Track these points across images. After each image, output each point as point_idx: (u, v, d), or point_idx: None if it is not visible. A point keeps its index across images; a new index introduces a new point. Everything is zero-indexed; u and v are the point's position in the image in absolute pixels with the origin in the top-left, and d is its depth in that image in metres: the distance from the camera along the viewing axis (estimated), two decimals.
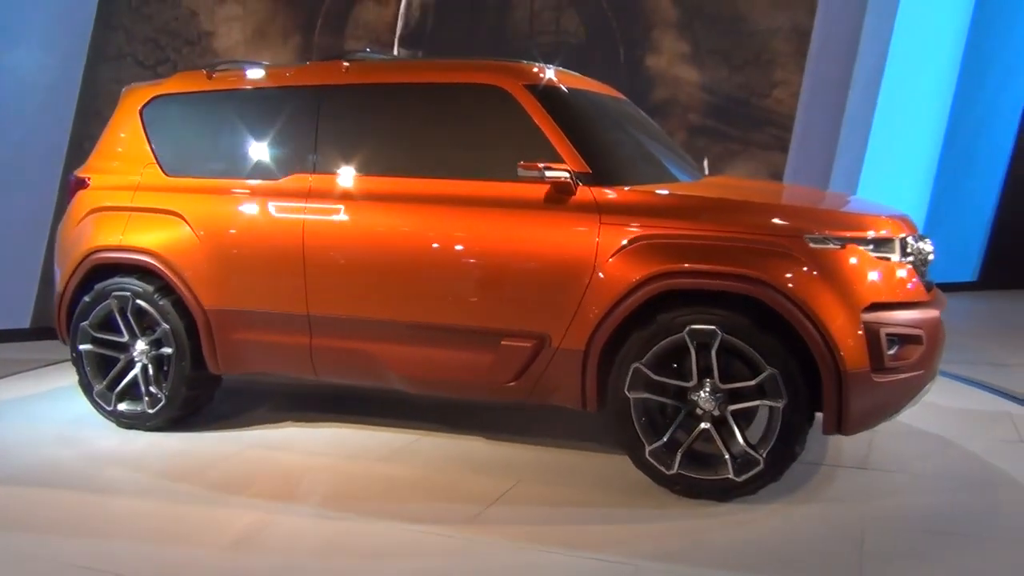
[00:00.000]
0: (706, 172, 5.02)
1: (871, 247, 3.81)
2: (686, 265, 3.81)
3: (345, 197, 4.43)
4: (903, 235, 3.92)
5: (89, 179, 5.12)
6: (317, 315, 4.48)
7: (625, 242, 3.92)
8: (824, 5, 7.52)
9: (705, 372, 3.84)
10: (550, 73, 4.45)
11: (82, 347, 4.97)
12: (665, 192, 4.15)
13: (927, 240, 4.13)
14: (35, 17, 7.14)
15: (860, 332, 3.67)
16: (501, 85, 4.28)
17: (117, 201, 4.95)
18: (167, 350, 4.79)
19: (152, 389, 4.86)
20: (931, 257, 4.11)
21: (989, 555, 3.36)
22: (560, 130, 4.14)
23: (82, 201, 5.09)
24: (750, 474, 3.79)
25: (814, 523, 3.65)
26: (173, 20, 7.54)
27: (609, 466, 4.32)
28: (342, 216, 4.40)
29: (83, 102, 6.50)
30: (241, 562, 3.36)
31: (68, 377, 5.11)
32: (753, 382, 3.75)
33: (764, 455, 3.76)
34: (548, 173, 3.96)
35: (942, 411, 5.04)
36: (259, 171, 4.68)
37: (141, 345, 4.87)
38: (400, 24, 7.66)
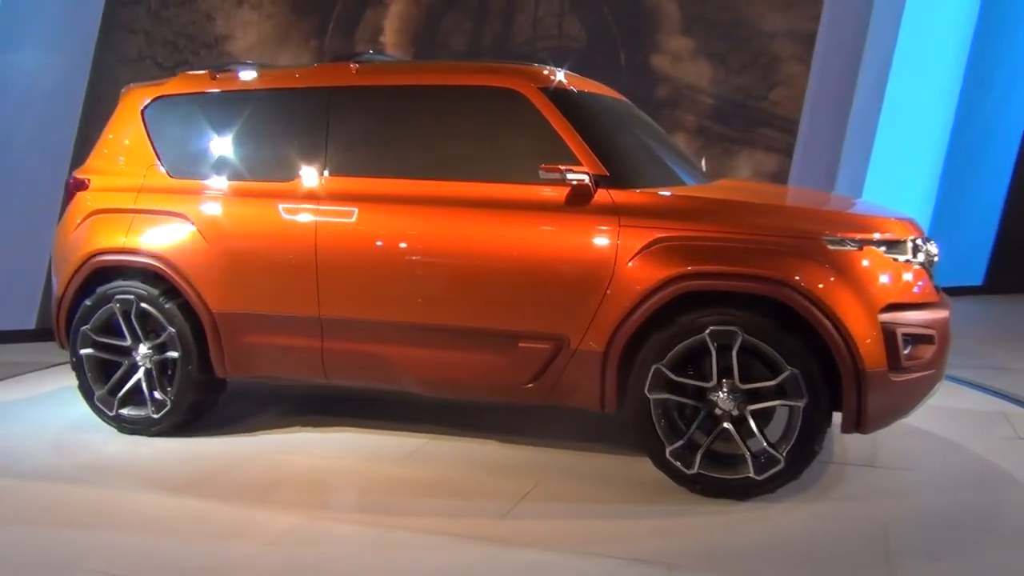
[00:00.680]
0: (704, 173, 5.08)
1: (885, 249, 3.89)
2: (708, 267, 3.85)
3: (359, 199, 4.40)
4: (913, 237, 4.01)
5: (89, 180, 5.03)
6: (329, 317, 4.45)
7: (645, 244, 3.95)
8: (829, 8, 7.61)
9: (724, 372, 3.89)
10: (561, 76, 4.48)
11: (83, 351, 4.88)
12: (684, 195, 4.20)
13: (932, 242, 4.23)
14: (41, 20, 7.11)
15: (878, 332, 3.75)
16: (516, 88, 4.29)
17: (119, 203, 4.87)
18: (172, 354, 4.73)
19: (156, 394, 4.79)
20: (936, 259, 4.21)
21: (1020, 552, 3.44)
22: (576, 133, 4.17)
23: (81, 203, 5.00)
24: (770, 473, 3.85)
25: (836, 521, 3.72)
26: (191, 24, 7.56)
27: (626, 466, 4.36)
28: (356, 218, 4.37)
29: (89, 104, 6.41)
30: (274, 565, 3.32)
31: (71, 379, 5.00)
32: (774, 382, 3.80)
33: (784, 454, 3.82)
34: (569, 175, 3.98)
35: (939, 411, 5.15)
36: (268, 173, 4.64)
37: (144, 349, 4.79)
38: (407, 27, 7.68)
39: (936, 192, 9.36)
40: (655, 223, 3.98)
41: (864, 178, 8.08)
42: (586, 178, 4.01)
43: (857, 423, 3.78)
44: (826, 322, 3.71)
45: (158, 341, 4.76)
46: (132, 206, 4.83)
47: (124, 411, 4.85)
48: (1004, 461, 4.40)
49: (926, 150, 9.22)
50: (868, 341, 3.72)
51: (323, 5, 7.79)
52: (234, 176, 4.70)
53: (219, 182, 4.71)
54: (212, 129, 4.85)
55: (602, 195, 4.06)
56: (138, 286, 4.76)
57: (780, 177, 7.46)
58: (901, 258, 3.92)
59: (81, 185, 5.05)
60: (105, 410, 4.88)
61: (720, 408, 3.92)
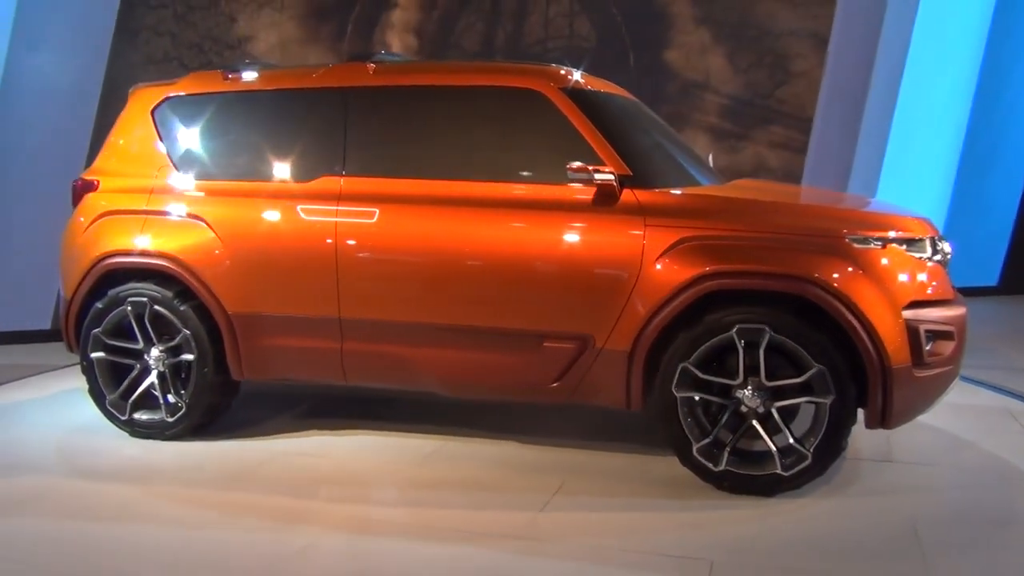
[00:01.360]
0: (716, 172, 5.12)
1: (906, 247, 3.95)
2: (736, 266, 3.90)
3: (380, 199, 4.39)
4: (931, 235, 4.09)
5: (98, 182, 4.96)
6: (350, 319, 4.43)
7: (672, 243, 3.98)
8: (843, 6, 7.65)
9: (749, 370, 3.94)
10: (578, 76, 4.50)
11: (94, 355, 4.81)
12: (709, 194, 4.24)
13: (945, 241, 4.31)
14: (56, 22, 7.11)
15: (902, 329, 3.81)
16: (537, 88, 4.31)
17: (130, 205, 4.81)
18: (187, 357, 4.68)
19: (170, 397, 4.73)
20: (949, 257, 4.29)
21: None
22: (599, 133, 4.19)
23: (91, 204, 4.93)
24: (798, 469, 3.90)
25: (864, 516, 3.77)
26: (215, 26, 7.56)
27: (648, 464, 4.38)
28: (378, 219, 4.36)
29: (104, 106, 6.36)
30: (312, 567, 3.31)
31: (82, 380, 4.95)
32: (801, 379, 3.85)
33: (812, 450, 3.87)
34: (597, 175, 4.00)
35: (944, 407, 5.22)
36: (284, 173, 4.61)
37: (156, 352, 4.74)
38: (420, 29, 7.69)
39: (951, 192, 9.37)
40: (681, 223, 4.01)
41: (878, 178, 8.16)
42: (612, 178, 4.04)
43: (882, 419, 3.84)
44: (853, 320, 3.77)
45: (172, 344, 4.70)
46: (144, 207, 4.77)
47: (137, 415, 4.79)
48: (1015, 457, 4.49)
49: (940, 150, 9.24)
50: (893, 338, 3.79)
51: (343, 7, 7.83)
52: (250, 177, 4.66)
53: (234, 183, 4.67)
54: (226, 130, 4.82)
55: (627, 195, 4.09)
56: (151, 288, 4.70)
57: (793, 176, 7.52)
58: (921, 256, 3.99)
59: (89, 186, 4.98)
60: (117, 414, 4.82)
61: (746, 405, 3.96)
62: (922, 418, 4.81)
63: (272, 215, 4.54)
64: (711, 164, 5.24)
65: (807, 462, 3.88)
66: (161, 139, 4.88)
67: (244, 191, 4.63)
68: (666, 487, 4.09)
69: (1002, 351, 7.00)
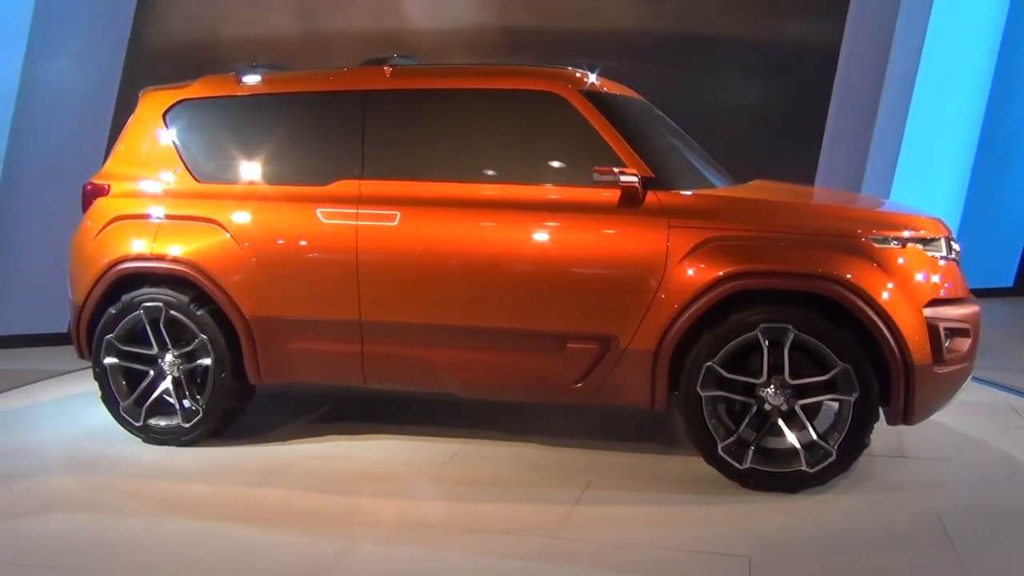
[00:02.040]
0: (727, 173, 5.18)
1: (924, 246, 4.04)
2: (760, 266, 3.95)
3: (402, 202, 4.39)
4: (946, 235, 4.17)
5: (108, 186, 4.91)
6: (371, 321, 4.43)
7: (695, 244, 4.03)
8: (856, 7, 7.70)
9: (772, 368, 3.99)
10: (593, 78, 4.54)
11: (107, 361, 4.77)
12: (730, 196, 4.30)
13: (955, 241, 4.40)
14: (72, 28, 7.12)
15: (923, 327, 3.89)
16: (558, 92, 4.34)
17: (144, 209, 4.77)
18: (204, 361, 4.64)
19: (186, 402, 4.70)
20: (959, 257, 4.38)
21: None
22: (619, 135, 4.24)
23: (102, 209, 4.87)
24: (823, 465, 3.97)
25: (888, 509, 3.84)
26: (232, 32, 7.66)
27: (669, 464, 4.43)
28: (399, 222, 4.37)
29: (119, 111, 6.33)
30: (350, 569, 3.31)
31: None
32: (826, 377, 3.91)
33: (836, 447, 3.93)
34: (623, 178, 4.04)
35: (952, 404, 5.32)
36: (302, 176, 4.60)
37: (170, 357, 4.70)
38: None
39: (965, 194, 9.40)
40: (704, 223, 4.07)
41: (891, 180, 8.24)
42: (636, 180, 4.08)
43: (904, 415, 3.92)
44: (876, 318, 3.84)
45: (188, 349, 4.67)
46: (159, 212, 4.73)
47: (152, 421, 4.75)
48: (1022, 453, 4.59)
49: (954, 151, 9.26)
50: (915, 336, 3.87)
51: None
52: (267, 180, 4.65)
53: (251, 186, 4.65)
54: (241, 133, 4.80)
55: (650, 197, 4.13)
56: (167, 293, 4.67)
57: (806, 178, 7.56)
58: (938, 255, 4.07)
59: (99, 191, 4.93)
60: (131, 420, 4.77)
61: (769, 403, 4.02)
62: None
63: (290, 219, 4.53)
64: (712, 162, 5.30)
65: (832, 459, 3.95)
66: (174, 143, 4.84)
67: (261, 195, 4.62)
68: (690, 485, 4.13)
69: (1013, 350, 7.03)
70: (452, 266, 4.31)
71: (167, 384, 4.72)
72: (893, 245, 3.95)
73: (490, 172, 4.43)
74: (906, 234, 4.00)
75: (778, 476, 4.03)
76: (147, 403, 4.74)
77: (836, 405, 4.04)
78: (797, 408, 4.00)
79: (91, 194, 4.96)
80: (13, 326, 7.20)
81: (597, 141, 4.24)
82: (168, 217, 4.72)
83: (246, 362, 4.63)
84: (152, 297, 4.68)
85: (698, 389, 4.04)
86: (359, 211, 4.43)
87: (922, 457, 4.53)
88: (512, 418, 5.15)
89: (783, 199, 4.37)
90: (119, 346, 4.75)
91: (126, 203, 4.83)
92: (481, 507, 3.92)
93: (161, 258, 4.67)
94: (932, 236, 4.08)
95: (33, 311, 7.04)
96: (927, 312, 3.92)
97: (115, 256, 4.74)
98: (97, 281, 4.78)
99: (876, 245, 3.93)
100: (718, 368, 4.02)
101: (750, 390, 4.06)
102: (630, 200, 4.12)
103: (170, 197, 4.75)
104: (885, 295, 3.85)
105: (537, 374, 4.31)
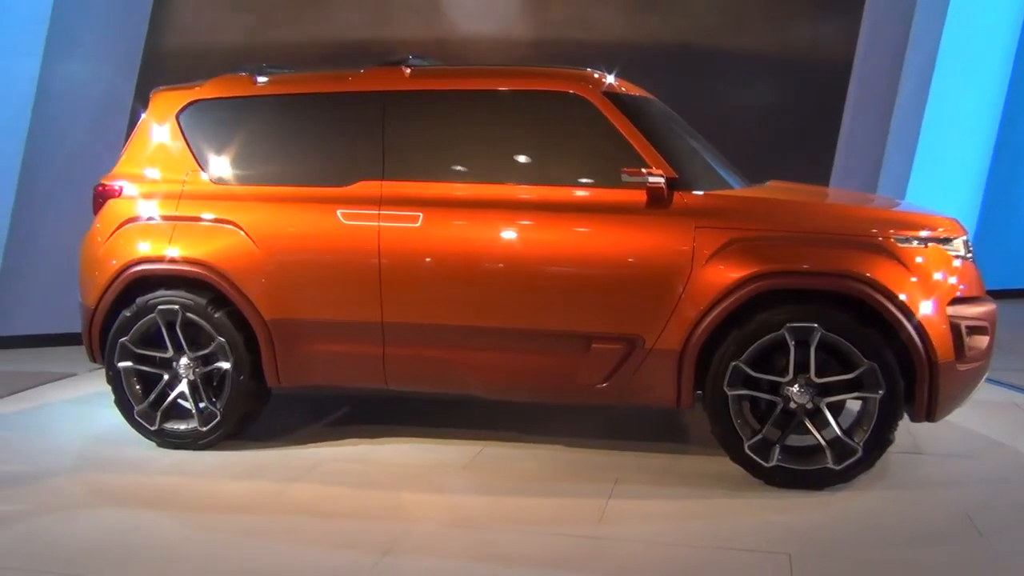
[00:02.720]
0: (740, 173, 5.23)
1: (945, 246, 4.10)
2: (786, 266, 4.00)
3: (424, 203, 4.38)
4: (964, 235, 4.25)
5: (121, 187, 4.85)
6: (394, 323, 4.42)
7: (721, 245, 4.07)
8: (872, 8, 7.75)
9: (798, 367, 4.04)
10: (612, 79, 4.56)
11: (121, 365, 4.70)
12: (754, 196, 4.34)
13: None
14: (89, 29, 7.14)
15: (946, 325, 3.96)
16: (580, 93, 4.36)
17: (158, 210, 4.71)
18: (222, 365, 4.60)
19: (202, 406, 4.65)
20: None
21: None
22: (643, 137, 4.26)
23: (114, 211, 4.81)
24: (848, 462, 4.02)
25: (913, 504, 3.91)
26: (247, 34, 7.70)
27: (692, 462, 4.46)
28: (422, 223, 4.36)
29: (136, 112, 6.29)
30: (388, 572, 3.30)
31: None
32: (853, 375, 3.96)
33: (861, 444, 3.99)
34: (651, 179, 4.07)
35: None
36: (321, 177, 4.57)
37: (185, 360, 4.65)
38: None
39: (982, 196, 9.43)
40: (729, 224, 4.11)
41: (907, 181, 8.31)
42: (662, 181, 4.11)
43: (928, 412, 3.98)
44: (902, 317, 3.90)
45: (205, 352, 4.62)
46: (174, 213, 4.68)
47: (168, 425, 4.69)
48: None
49: (971, 153, 9.27)
50: (939, 334, 3.93)
51: None
52: (285, 181, 4.61)
53: (269, 188, 4.61)
54: (258, 134, 4.76)
55: (676, 197, 4.16)
56: (183, 295, 4.61)
57: (821, 178, 7.59)
58: (958, 255, 4.14)
59: (111, 192, 4.86)
60: (146, 425, 4.71)
61: (794, 402, 4.06)
62: None
63: (310, 220, 4.50)
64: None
65: (858, 455, 4.00)
66: (188, 143, 4.79)
67: (280, 196, 4.58)
68: (715, 482, 4.17)
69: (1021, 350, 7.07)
70: (477, 267, 4.31)
71: (183, 387, 4.67)
72: (916, 245, 4.02)
73: (513, 173, 4.43)
74: (928, 234, 4.07)
75: (804, 473, 4.07)
76: (163, 407, 4.68)
77: (857, 403, 4.09)
78: (823, 406, 4.04)
79: (102, 196, 4.89)
80: (33, 326, 7.32)
81: (620, 142, 4.26)
82: (184, 219, 4.66)
83: (264, 365, 4.59)
84: (168, 300, 4.62)
85: (725, 388, 4.07)
86: (381, 212, 4.42)
87: (937, 454, 4.60)
88: (528, 420, 5.15)
89: (805, 200, 4.43)
90: (134, 349, 4.68)
91: (139, 205, 4.77)
92: (519, 501, 3.98)
93: (177, 260, 4.61)
94: (952, 236, 4.15)
95: (52, 311, 7.09)
96: (949, 311, 3.99)
97: (129, 258, 4.68)
98: (110, 284, 4.71)
99: (900, 245, 4.00)
100: (744, 367, 4.05)
101: (774, 389, 4.11)
102: (656, 201, 4.15)
103: (185, 199, 4.70)
104: (910, 294, 3.91)
105: (563, 375, 4.32)
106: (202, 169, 4.73)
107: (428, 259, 4.36)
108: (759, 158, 6.30)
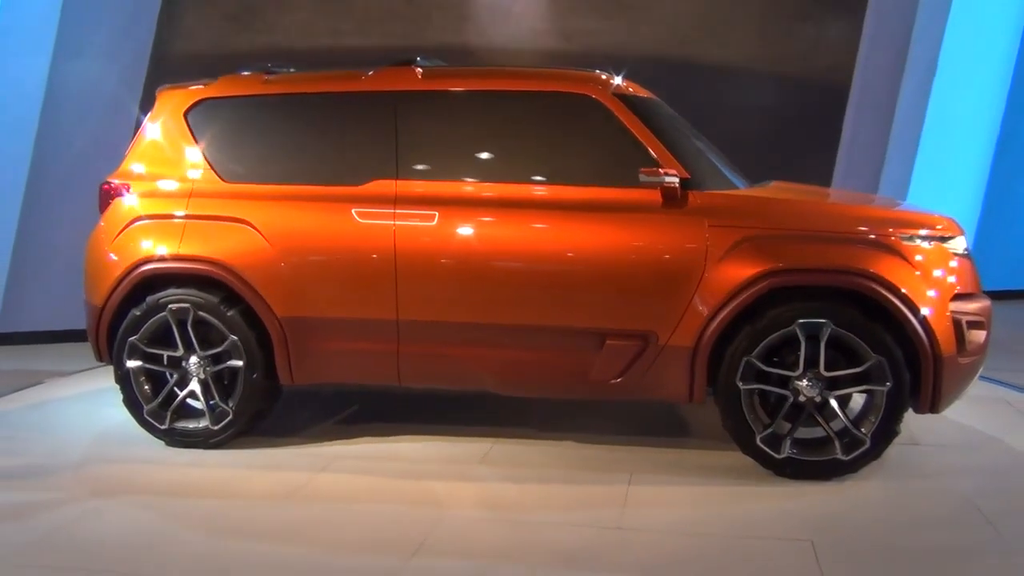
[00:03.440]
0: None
1: (946, 244, 4.26)
2: (797, 263, 4.13)
3: (439, 202, 4.43)
4: (962, 233, 4.41)
5: (128, 185, 4.83)
6: (409, 320, 4.46)
7: (734, 243, 4.18)
8: (874, 8, 7.85)
9: (807, 362, 4.17)
10: (619, 80, 4.66)
11: (131, 364, 4.68)
12: (764, 196, 4.46)
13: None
14: (98, 28, 7.17)
15: (948, 321, 4.12)
16: (592, 94, 4.45)
17: (168, 209, 4.70)
18: (234, 363, 4.60)
19: (213, 403, 4.65)
20: None
21: None
22: (655, 137, 4.36)
23: (121, 209, 4.79)
24: (857, 453, 4.16)
25: (919, 494, 4.06)
26: (255, 33, 7.79)
27: (700, 455, 4.57)
28: (438, 221, 4.41)
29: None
30: (419, 569, 3.35)
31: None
32: (861, 368, 4.11)
33: (869, 435, 4.13)
34: (667, 179, 4.17)
35: None
36: (334, 176, 4.60)
37: (195, 359, 4.65)
38: None
39: (983, 196, 9.49)
40: (741, 223, 4.22)
41: (909, 181, 8.42)
42: (677, 181, 4.21)
43: (932, 404, 4.14)
44: (909, 313, 4.05)
45: (218, 350, 4.62)
46: (184, 212, 4.67)
47: (179, 424, 4.69)
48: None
49: (973, 153, 9.33)
50: (943, 329, 4.09)
51: None
52: (298, 180, 4.63)
53: (282, 187, 4.62)
54: (270, 132, 4.78)
55: (689, 196, 4.27)
56: (194, 294, 4.61)
57: (823, 179, 7.71)
58: (958, 252, 4.30)
59: (118, 191, 4.84)
60: (156, 424, 4.70)
61: (804, 395, 4.19)
62: None
63: (325, 218, 4.52)
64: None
65: (866, 446, 4.14)
66: (197, 142, 4.78)
67: (293, 194, 4.60)
68: (728, 474, 4.28)
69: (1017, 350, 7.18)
70: (493, 265, 4.37)
71: (194, 386, 4.67)
72: (919, 243, 4.17)
73: (526, 173, 4.50)
74: (930, 232, 4.23)
75: (814, 464, 4.21)
76: (173, 406, 4.67)
77: (862, 396, 4.24)
78: (831, 399, 4.18)
79: (108, 194, 4.86)
80: (43, 322, 7.44)
81: (633, 142, 4.36)
82: (194, 217, 4.66)
83: (278, 363, 4.61)
84: (180, 298, 4.61)
85: (738, 383, 4.19)
86: (396, 211, 4.46)
87: (934, 444, 4.77)
88: (534, 417, 5.22)
89: (813, 200, 4.56)
90: (143, 348, 4.67)
91: (147, 203, 4.75)
92: (542, 489, 4.10)
93: (189, 258, 4.61)
94: (951, 234, 4.31)
95: (62, 308, 7.13)
96: (952, 306, 4.15)
97: (139, 257, 4.66)
98: (119, 282, 4.69)
99: (905, 243, 4.14)
100: (756, 362, 4.17)
101: (784, 383, 4.23)
102: (670, 200, 4.25)
103: (196, 197, 4.69)
104: (916, 291, 4.07)
105: (577, 371, 4.40)
106: (212, 167, 4.73)
107: (444, 257, 4.42)
108: (762, 159, 6.42)
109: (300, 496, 4.04)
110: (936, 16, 8.30)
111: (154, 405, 4.69)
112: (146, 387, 4.73)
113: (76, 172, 7.00)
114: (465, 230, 4.41)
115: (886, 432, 4.16)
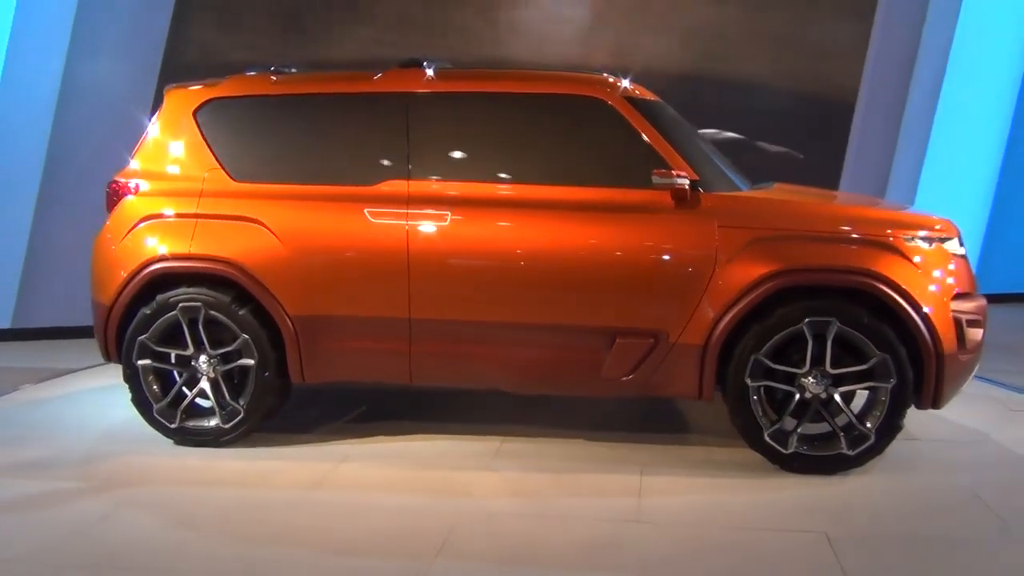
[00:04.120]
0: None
1: (947, 245, 4.40)
2: (805, 263, 4.24)
3: (452, 203, 4.49)
4: (959, 235, 4.55)
5: (137, 184, 4.83)
6: (421, 319, 4.51)
7: (743, 243, 4.29)
8: (883, 12, 7.95)
9: (813, 359, 4.28)
10: (627, 83, 4.75)
11: (140, 362, 4.68)
12: (771, 197, 4.58)
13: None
14: (111, 30, 7.25)
15: (950, 319, 4.25)
16: (602, 97, 4.53)
17: (178, 208, 4.71)
18: (246, 361, 4.62)
19: (224, 402, 4.67)
20: None
21: None
22: (665, 140, 4.46)
23: (130, 208, 4.78)
24: (862, 448, 4.28)
25: (923, 486, 4.19)
26: (267, 34, 7.90)
27: (707, 450, 4.67)
28: (451, 221, 4.46)
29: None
30: (442, 566, 3.40)
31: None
32: (866, 366, 4.22)
33: (874, 430, 4.25)
34: (678, 180, 4.26)
35: None
36: (346, 176, 4.64)
37: (204, 358, 4.66)
38: None
39: (991, 200, 9.48)
40: (751, 224, 4.33)
41: (917, 184, 8.49)
42: (687, 182, 4.31)
43: (934, 400, 4.27)
44: (911, 311, 4.17)
45: (229, 349, 4.64)
46: (194, 211, 4.68)
47: (189, 423, 4.70)
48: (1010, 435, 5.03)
49: (981, 156, 9.32)
50: (945, 327, 4.22)
51: None
52: (310, 180, 4.66)
53: (293, 187, 4.65)
54: (281, 132, 4.81)
55: (699, 198, 4.36)
56: (205, 293, 4.62)
57: (831, 182, 7.80)
58: (957, 253, 4.44)
59: (127, 190, 4.83)
60: (165, 423, 4.71)
61: (810, 392, 4.30)
62: None
63: (338, 218, 4.56)
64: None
65: (870, 441, 4.26)
66: (207, 141, 4.79)
67: (305, 194, 4.63)
68: (736, 469, 4.38)
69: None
70: (505, 265, 4.44)
71: (204, 385, 4.68)
72: (922, 244, 4.30)
73: (541, 174, 4.56)
74: (930, 233, 4.36)
75: (821, 459, 4.32)
76: (183, 405, 4.68)
77: (865, 392, 4.36)
78: (837, 396, 4.29)
79: (116, 193, 4.86)
80: (56, 318, 7.54)
81: (642, 144, 4.44)
82: (205, 216, 4.67)
83: (289, 361, 4.63)
84: (191, 297, 4.62)
85: (747, 380, 4.29)
86: (409, 211, 4.51)
87: (931, 439, 4.90)
88: (539, 416, 5.27)
89: (820, 201, 4.68)
90: (153, 347, 4.67)
91: (156, 202, 4.76)
92: (556, 482, 4.20)
93: (200, 257, 4.62)
94: (951, 235, 4.45)
95: (75, 305, 7.04)
96: (953, 305, 4.28)
97: (149, 256, 4.66)
98: (128, 281, 4.69)
99: (908, 244, 4.27)
100: (765, 360, 4.27)
101: (790, 380, 4.34)
102: (682, 201, 4.34)
103: (206, 196, 4.70)
104: (919, 290, 4.19)
105: (588, 369, 4.48)
106: (223, 167, 4.75)
107: (456, 257, 4.48)
108: (770, 161, 6.52)
109: (328, 484, 4.14)
110: (945, 18, 8.31)
111: (163, 404, 4.69)
112: (155, 387, 4.73)
113: (89, 171, 7.02)
114: (478, 230, 4.46)
115: (890, 427, 4.28)
